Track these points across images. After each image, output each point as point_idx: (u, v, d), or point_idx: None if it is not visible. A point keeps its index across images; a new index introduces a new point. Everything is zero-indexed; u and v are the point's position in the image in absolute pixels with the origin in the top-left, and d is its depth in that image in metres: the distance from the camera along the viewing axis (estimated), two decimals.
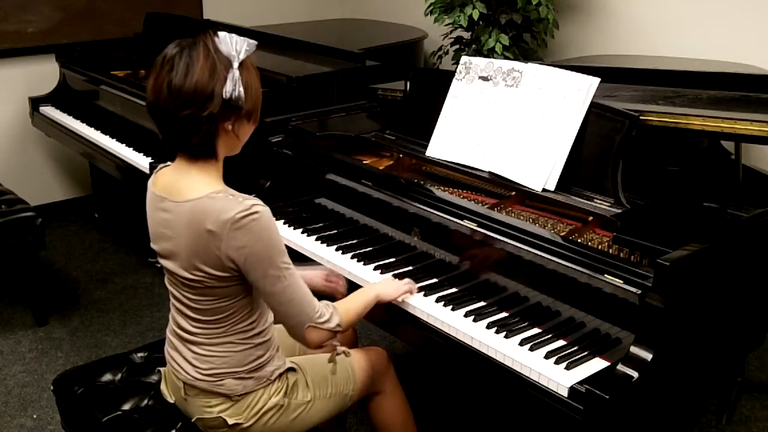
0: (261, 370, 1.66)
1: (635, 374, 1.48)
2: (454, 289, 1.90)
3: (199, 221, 1.49)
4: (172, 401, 1.75)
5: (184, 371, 1.65)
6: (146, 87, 1.53)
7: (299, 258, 2.13)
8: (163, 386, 1.78)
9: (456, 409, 2.61)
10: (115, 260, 3.77)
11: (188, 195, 1.52)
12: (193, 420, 1.69)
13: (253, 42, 1.53)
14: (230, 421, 1.64)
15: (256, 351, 1.65)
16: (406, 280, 1.89)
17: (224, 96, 1.47)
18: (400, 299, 1.84)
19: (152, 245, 1.64)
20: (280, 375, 1.69)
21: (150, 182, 1.64)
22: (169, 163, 1.63)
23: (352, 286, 1.97)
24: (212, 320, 1.60)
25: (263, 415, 1.66)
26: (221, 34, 1.51)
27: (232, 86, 1.47)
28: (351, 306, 1.72)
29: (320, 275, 1.98)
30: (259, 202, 1.51)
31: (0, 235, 2.96)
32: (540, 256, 1.71)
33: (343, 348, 1.76)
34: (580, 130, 1.92)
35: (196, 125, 1.48)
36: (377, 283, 1.86)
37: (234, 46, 1.49)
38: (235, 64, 1.49)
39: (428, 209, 1.95)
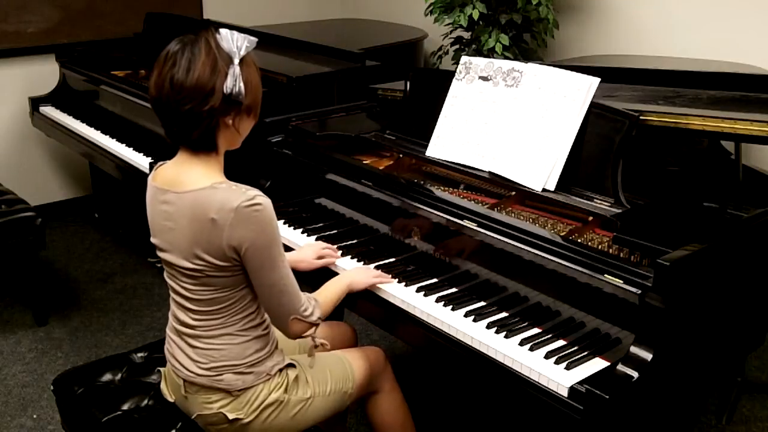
0: (260, 364, 1.66)
1: (635, 374, 1.48)
2: (454, 289, 1.90)
3: (203, 211, 1.52)
4: (172, 400, 1.76)
5: (185, 368, 1.66)
6: (149, 82, 1.56)
7: None
8: (163, 386, 1.79)
9: (456, 409, 2.61)
10: (115, 260, 3.77)
11: (190, 186, 1.55)
12: (193, 417, 1.70)
13: (254, 39, 1.56)
14: (230, 416, 1.65)
15: (255, 344, 1.66)
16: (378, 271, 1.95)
17: (225, 91, 1.50)
18: (374, 285, 1.90)
19: (152, 239, 1.66)
20: (280, 371, 1.70)
21: (150, 178, 1.66)
22: (167, 161, 1.65)
23: None
24: (211, 311, 1.61)
25: (263, 410, 1.67)
26: (222, 31, 1.54)
27: (233, 82, 1.51)
28: (328, 297, 1.79)
29: (310, 255, 2.02)
30: (261, 193, 1.54)
31: (0, 235, 2.96)
32: (540, 256, 1.71)
33: (321, 340, 1.78)
34: (580, 130, 1.92)
35: (197, 119, 1.51)
36: (349, 272, 1.93)
37: (235, 43, 1.53)
38: (236, 61, 1.52)
39: (428, 209, 1.95)
